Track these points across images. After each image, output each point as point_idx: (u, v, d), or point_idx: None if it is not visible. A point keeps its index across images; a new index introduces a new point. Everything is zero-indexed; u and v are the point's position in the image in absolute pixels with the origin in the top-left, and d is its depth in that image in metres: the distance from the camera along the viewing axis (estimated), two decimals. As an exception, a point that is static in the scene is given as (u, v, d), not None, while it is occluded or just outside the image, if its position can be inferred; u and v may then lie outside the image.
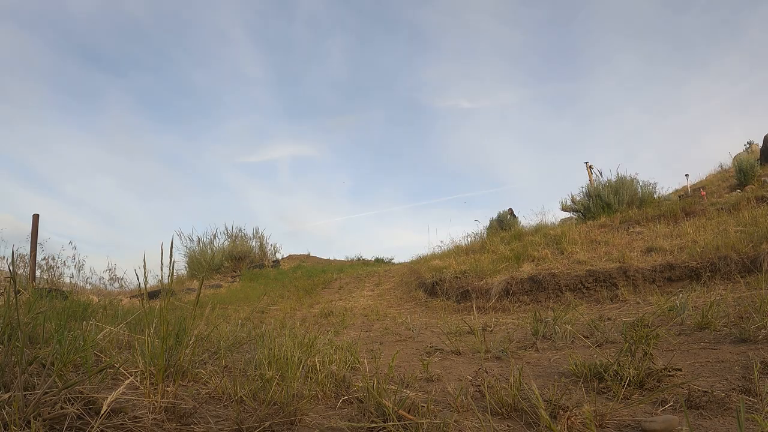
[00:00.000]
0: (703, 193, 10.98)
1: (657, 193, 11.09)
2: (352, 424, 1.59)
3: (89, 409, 1.42)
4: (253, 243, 14.76)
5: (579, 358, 2.48)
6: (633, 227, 8.22)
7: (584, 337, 3.42)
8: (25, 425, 1.25)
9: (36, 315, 2.32)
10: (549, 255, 7.47)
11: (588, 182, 12.58)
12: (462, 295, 7.21)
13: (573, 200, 11.82)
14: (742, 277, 5.04)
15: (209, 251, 13.74)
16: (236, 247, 14.04)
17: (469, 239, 11.56)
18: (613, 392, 1.95)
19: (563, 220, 11.93)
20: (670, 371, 2.13)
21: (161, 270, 1.76)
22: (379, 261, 15.55)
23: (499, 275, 7.12)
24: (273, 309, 8.20)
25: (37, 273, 7.00)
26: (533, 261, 7.43)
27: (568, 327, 3.55)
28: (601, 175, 11.77)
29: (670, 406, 1.79)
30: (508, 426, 1.66)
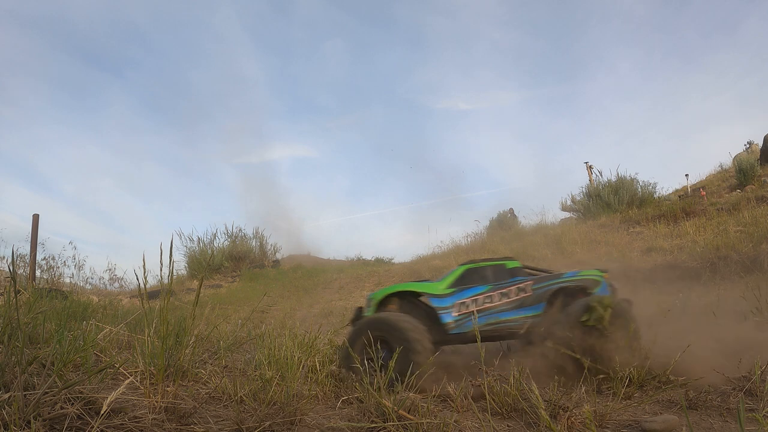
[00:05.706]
0: (703, 193, 10.97)
1: (657, 193, 11.09)
2: (352, 424, 1.59)
3: (89, 409, 1.42)
4: (253, 243, 14.73)
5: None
6: (633, 227, 8.22)
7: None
8: (25, 425, 1.25)
9: (36, 315, 2.32)
10: (549, 255, 7.47)
11: (588, 182, 12.59)
12: (462, 295, 7.21)
13: (573, 200, 11.82)
14: (742, 277, 5.04)
15: (209, 251, 13.72)
16: (236, 247, 14.02)
17: (469, 239, 11.57)
18: (614, 392, 1.95)
19: (563, 220, 11.92)
20: (670, 371, 2.13)
21: (161, 270, 1.76)
22: (379, 261, 15.51)
23: (499, 275, 7.11)
24: (273, 309, 8.20)
25: (37, 273, 7.00)
26: (533, 261, 7.43)
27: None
28: (601, 175, 11.78)
29: (670, 406, 1.79)
30: (508, 426, 1.66)
